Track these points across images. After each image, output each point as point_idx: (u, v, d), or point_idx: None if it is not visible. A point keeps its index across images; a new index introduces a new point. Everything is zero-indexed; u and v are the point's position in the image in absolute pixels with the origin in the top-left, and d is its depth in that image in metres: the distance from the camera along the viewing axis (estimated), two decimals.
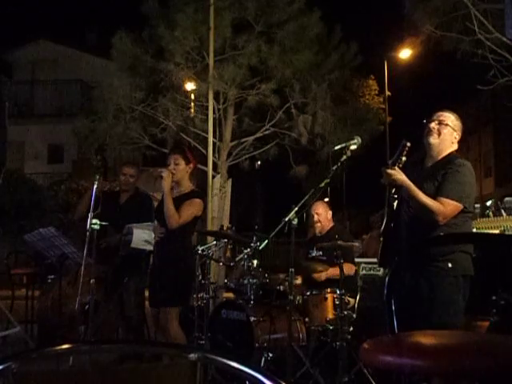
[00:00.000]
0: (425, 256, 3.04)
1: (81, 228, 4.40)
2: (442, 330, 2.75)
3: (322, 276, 4.77)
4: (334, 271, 4.55)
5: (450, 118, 3.26)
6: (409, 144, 3.09)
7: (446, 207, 3.02)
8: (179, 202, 4.04)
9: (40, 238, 4.62)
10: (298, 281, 4.94)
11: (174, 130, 12.13)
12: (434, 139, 3.22)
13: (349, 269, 4.72)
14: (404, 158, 3.04)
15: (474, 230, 3.83)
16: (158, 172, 4.05)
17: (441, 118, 3.25)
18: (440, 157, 3.23)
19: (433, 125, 3.24)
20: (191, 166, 4.23)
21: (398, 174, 3.03)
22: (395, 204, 3.18)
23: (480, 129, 29.90)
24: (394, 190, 3.12)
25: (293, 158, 12.83)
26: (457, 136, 3.27)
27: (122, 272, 4.66)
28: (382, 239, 3.30)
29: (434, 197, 3.06)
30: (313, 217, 5.15)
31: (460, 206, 3.05)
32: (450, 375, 1.50)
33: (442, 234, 3.04)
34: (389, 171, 3.03)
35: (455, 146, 3.28)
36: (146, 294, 4.58)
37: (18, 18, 33.44)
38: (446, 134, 3.22)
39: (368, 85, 16.84)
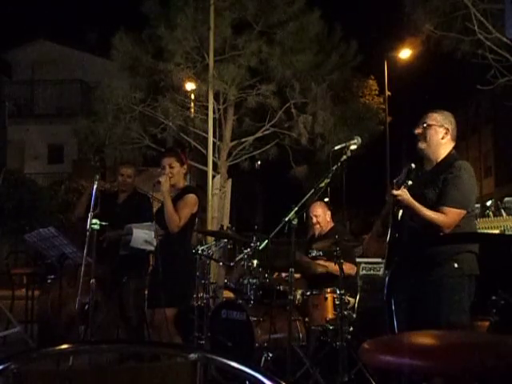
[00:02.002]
0: (430, 256, 3.03)
1: (80, 228, 4.40)
2: (448, 329, 2.75)
3: (320, 268, 4.75)
4: (335, 267, 4.54)
5: (432, 117, 3.22)
6: (413, 165, 3.07)
7: (449, 217, 3.02)
8: (175, 201, 4.03)
9: (40, 238, 4.62)
10: (297, 275, 4.91)
11: (174, 129, 12.14)
12: (421, 144, 3.21)
13: (349, 268, 4.71)
14: (410, 182, 3.01)
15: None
16: (157, 173, 4.05)
17: (423, 121, 3.22)
18: (439, 159, 3.21)
19: (417, 131, 3.23)
20: (185, 167, 4.21)
21: (404, 195, 3.02)
22: (400, 213, 3.18)
23: (480, 129, 29.92)
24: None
25: (293, 158, 12.84)
26: (444, 130, 3.20)
27: (122, 272, 4.66)
28: (387, 248, 3.29)
29: (434, 204, 3.06)
30: (311, 219, 5.12)
31: (463, 212, 3.06)
32: (450, 375, 1.50)
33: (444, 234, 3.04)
34: (395, 192, 3.02)
35: (449, 142, 3.22)
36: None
37: (17, 18, 33.43)
38: (432, 134, 3.19)
39: (368, 85, 16.85)
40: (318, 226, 5.09)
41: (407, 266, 3.07)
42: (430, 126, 3.20)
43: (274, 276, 4.91)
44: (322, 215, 5.09)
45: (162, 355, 1.59)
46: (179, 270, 4.00)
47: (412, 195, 3.06)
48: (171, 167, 4.09)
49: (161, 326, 4.03)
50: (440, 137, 3.19)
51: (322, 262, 4.83)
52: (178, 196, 4.08)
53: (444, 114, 3.25)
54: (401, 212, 3.18)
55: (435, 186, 3.11)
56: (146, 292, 4.54)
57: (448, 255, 3.02)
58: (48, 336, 5.30)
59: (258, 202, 27.48)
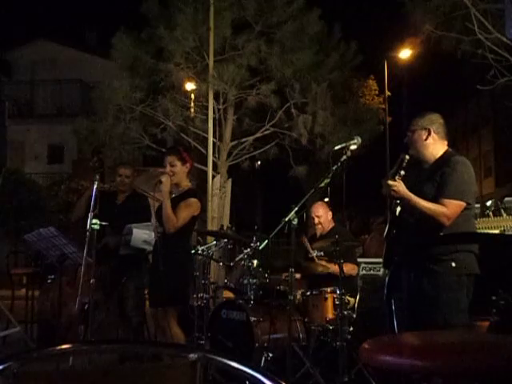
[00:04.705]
0: (428, 256, 3.04)
1: (80, 228, 4.40)
2: (445, 329, 2.75)
3: (320, 268, 4.77)
4: (336, 267, 4.55)
5: (414, 122, 3.29)
6: (407, 157, 3.10)
7: (448, 208, 3.03)
8: (177, 202, 4.02)
9: (40, 238, 4.62)
10: (297, 275, 4.92)
11: (174, 129, 12.14)
12: (411, 151, 3.27)
13: (351, 269, 4.71)
14: (403, 172, 3.06)
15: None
16: (158, 173, 4.04)
17: (408, 128, 3.29)
18: (436, 156, 3.24)
19: (405, 140, 3.30)
20: (188, 165, 4.18)
21: (399, 186, 3.04)
22: (398, 209, 3.19)
23: (480, 129, 29.91)
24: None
25: (293, 158, 12.84)
26: (426, 131, 3.23)
27: (121, 272, 4.66)
28: (385, 244, 3.30)
29: (434, 199, 3.06)
30: (313, 219, 5.12)
31: (463, 204, 3.06)
32: (450, 375, 1.50)
33: (443, 234, 3.04)
34: (390, 182, 3.04)
35: (437, 141, 3.25)
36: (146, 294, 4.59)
37: (17, 18, 33.46)
38: (416, 138, 3.25)
39: (368, 85, 16.85)
40: (319, 226, 5.09)
41: (406, 264, 3.07)
42: (412, 131, 3.27)
43: (283, 277, 4.90)
44: (323, 216, 5.09)
45: (162, 355, 1.59)
46: (176, 269, 4.00)
47: (411, 191, 3.07)
48: (172, 165, 4.07)
49: (162, 325, 4.03)
50: (423, 138, 3.24)
51: (323, 263, 4.83)
52: (181, 197, 4.06)
53: (424, 116, 3.30)
54: (399, 208, 3.19)
55: (433, 181, 3.13)
56: (147, 291, 4.54)
57: (446, 254, 3.02)
58: (48, 336, 5.29)
59: (257, 201, 27.48)
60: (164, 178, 3.95)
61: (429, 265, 3.04)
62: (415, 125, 3.27)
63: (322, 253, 4.98)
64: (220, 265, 8.02)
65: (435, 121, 3.27)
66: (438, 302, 2.99)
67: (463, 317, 2.98)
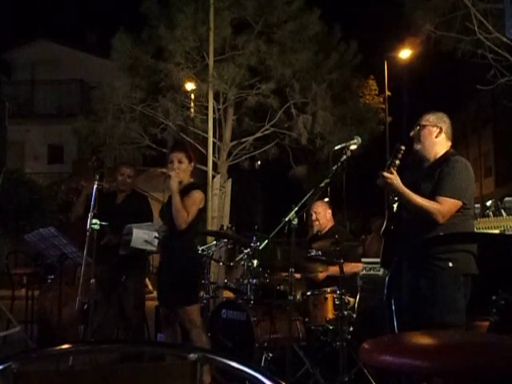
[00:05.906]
0: (425, 255, 3.04)
1: (80, 228, 4.40)
2: (442, 328, 2.75)
3: (321, 275, 4.78)
4: (335, 269, 4.55)
5: (425, 117, 3.28)
6: (403, 147, 3.10)
7: (443, 206, 3.02)
8: (180, 197, 3.97)
9: (40, 238, 4.61)
10: (298, 275, 4.91)
11: (174, 129, 12.15)
12: (416, 146, 3.26)
13: (354, 267, 4.72)
14: (398, 162, 3.05)
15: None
16: (165, 171, 3.96)
17: (417, 123, 3.28)
18: (437, 156, 3.25)
19: (412, 133, 3.29)
20: (192, 164, 4.14)
21: (394, 179, 3.03)
22: (395, 206, 3.19)
23: (480, 129, 29.92)
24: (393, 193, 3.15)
25: (293, 158, 12.85)
26: (437, 129, 3.24)
27: (121, 272, 4.66)
28: (383, 241, 3.31)
29: (431, 196, 3.06)
30: (311, 215, 5.15)
31: (458, 203, 3.05)
32: (450, 375, 1.50)
33: (441, 233, 3.04)
34: (385, 174, 3.04)
35: (444, 141, 3.25)
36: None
37: (17, 18, 33.46)
38: (426, 134, 3.24)
39: (368, 85, 16.84)
40: (317, 222, 5.12)
41: (405, 264, 3.07)
42: (423, 126, 3.26)
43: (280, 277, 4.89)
44: (322, 213, 5.11)
45: (163, 355, 1.59)
46: (187, 265, 3.94)
47: (409, 190, 3.07)
48: (180, 162, 3.97)
49: (189, 326, 3.89)
50: (434, 136, 3.24)
51: (321, 268, 4.83)
52: (184, 192, 4.01)
53: (437, 114, 3.30)
54: (396, 204, 3.19)
55: (431, 179, 3.14)
56: (156, 291, 4.47)
57: (443, 254, 3.02)
58: (48, 336, 5.29)
59: (258, 202, 27.47)
60: (173, 174, 3.87)
61: (426, 264, 3.04)
62: (426, 120, 3.26)
63: (319, 252, 4.98)
64: (220, 265, 8.02)
65: (446, 121, 3.29)
66: (434, 302, 2.99)
67: (459, 317, 2.98)
